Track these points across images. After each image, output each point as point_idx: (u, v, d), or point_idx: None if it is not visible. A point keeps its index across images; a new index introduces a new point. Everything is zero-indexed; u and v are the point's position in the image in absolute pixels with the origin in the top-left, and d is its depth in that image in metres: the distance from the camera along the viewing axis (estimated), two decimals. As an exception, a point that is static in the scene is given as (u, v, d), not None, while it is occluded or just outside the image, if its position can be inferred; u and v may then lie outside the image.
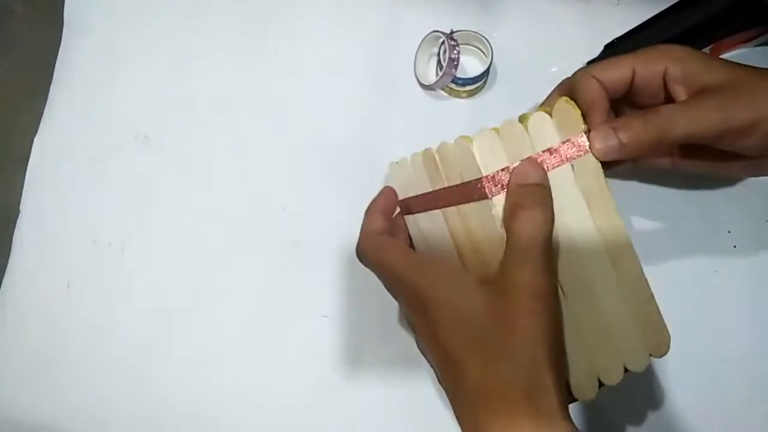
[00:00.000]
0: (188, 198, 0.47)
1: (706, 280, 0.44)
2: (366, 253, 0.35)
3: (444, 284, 0.30)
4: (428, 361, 0.34)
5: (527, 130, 0.32)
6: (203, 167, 0.48)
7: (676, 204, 0.46)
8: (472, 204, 0.32)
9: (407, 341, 0.42)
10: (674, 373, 0.42)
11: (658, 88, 0.35)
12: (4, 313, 0.45)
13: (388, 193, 0.39)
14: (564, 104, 0.34)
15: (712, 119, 0.32)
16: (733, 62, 0.34)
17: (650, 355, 0.33)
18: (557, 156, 0.33)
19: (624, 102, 0.37)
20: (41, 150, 0.49)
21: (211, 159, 0.48)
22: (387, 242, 0.35)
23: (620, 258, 0.33)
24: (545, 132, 0.33)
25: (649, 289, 0.33)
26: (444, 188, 0.35)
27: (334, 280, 0.45)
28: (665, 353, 0.33)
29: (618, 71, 0.35)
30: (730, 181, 0.46)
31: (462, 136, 0.33)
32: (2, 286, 0.46)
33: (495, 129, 0.33)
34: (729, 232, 0.45)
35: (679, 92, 0.34)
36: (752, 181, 0.46)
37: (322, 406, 0.42)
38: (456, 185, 0.34)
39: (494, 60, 0.47)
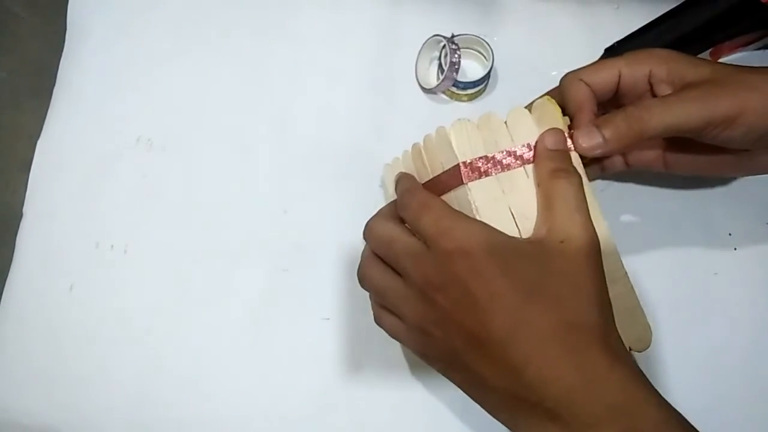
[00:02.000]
0: (190, 201, 0.47)
1: (707, 282, 0.44)
2: (412, 200, 0.32)
3: (498, 234, 0.30)
4: (449, 332, 0.30)
5: (506, 124, 0.33)
6: (205, 170, 0.48)
7: (676, 206, 0.46)
8: (451, 193, 0.33)
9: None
10: (674, 374, 0.42)
11: (644, 90, 0.36)
12: (7, 315, 0.45)
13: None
14: (544, 101, 0.34)
15: (693, 110, 0.32)
16: (719, 62, 0.34)
17: (630, 349, 0.33)
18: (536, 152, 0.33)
19: (611, 104, 0.37)
20: (44, 153, 0.49)
21: (213, 162, 0.48)
22: (437, 198, 0.33)
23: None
24: (524, 126, 0.33)
25: (629, 282, 0.33)
26: (429, 180, 0.35)
27: (335, 283, 0.45)
28: (646, 347, 0.33)
29: (604, 74, 0.35)
30: (729, 182, 0.46)
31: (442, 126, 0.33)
32: (5, 288, 0.46)
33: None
34: (729, 234, 0.45)
35: (665, 91, 0.35)
36: (752, 184, 0.46)
37: (324, 408, 0.42)
38: (438, 175, 0.34)
39: (495, 64, 0.47)
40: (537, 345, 0.27)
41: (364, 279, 0.35)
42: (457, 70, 0.46)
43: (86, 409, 0.43)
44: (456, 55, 0.46)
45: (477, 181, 0.32)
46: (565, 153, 0.33)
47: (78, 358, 0.44)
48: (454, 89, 0.48)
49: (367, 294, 0.44)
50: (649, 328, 0.33)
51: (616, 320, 0.32)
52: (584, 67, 0.36)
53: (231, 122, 0.49)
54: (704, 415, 0.42)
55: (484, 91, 0.49)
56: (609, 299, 0.30)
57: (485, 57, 0.49)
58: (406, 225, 0.34)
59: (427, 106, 0.49)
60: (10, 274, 0.46)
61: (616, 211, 0.46)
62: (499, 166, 0.32)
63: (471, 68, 0.50)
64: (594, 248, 0.30)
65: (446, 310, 0.29)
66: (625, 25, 0.45)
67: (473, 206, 0.31)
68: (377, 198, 0.46)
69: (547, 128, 0.33)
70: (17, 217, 0.47)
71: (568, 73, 0.36)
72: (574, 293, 0.28)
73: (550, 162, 0.32)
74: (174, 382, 0.43)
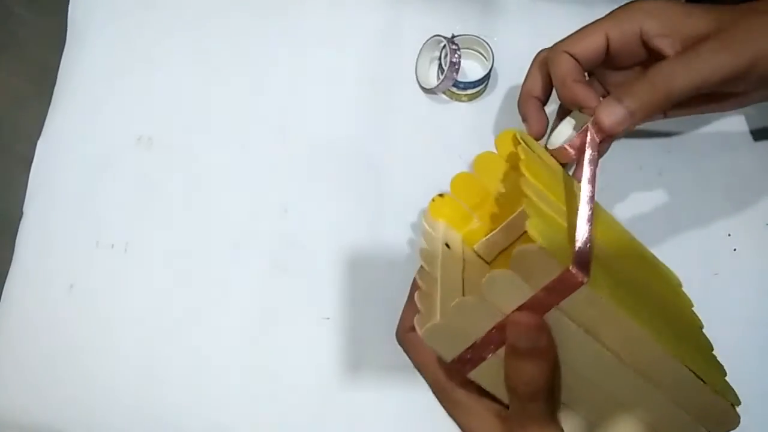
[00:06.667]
0: (191, 199, 0.47)
1: (706, 282, 0.44)
2: (403, 343, 0.34)
3: (464, 411, 0.31)
4: None
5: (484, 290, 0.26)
6: (206, 169, 0.48)
7: (675, 206, 0.46)
8: None
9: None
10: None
11: (637, 47, 0.33)
12: (7, 314, 0.45)
13: None
14: (523, 251, 0.24)
15: (715, 65, 0.30)
16: (709, 6, 0.32)
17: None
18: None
19: (605, 66, 0.35)
20: (44, 152, 0.49)
21: (213, 161, 0.48)
22: (420, 346, 0.32)
23: (652, 368, 0.28)
24: (508, 288, 0.26)
25: (696, 378, 0.28)
26: None
27: (335, 282, 0.45)
28: (736, 426, 0.30)
29: (590, 41, 0.33)
30: (729, 183, 0.46)
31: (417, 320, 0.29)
32: (5, 287, 0.46)
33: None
34: (729, 234, 0.45)
35: (665, 45, 0.32)
36: (752, 184, 0.46)
37: (323, 407, 0.42)
38: None
39: (495, 64, 0.48)
40: None
41: None
42: (457, 71, 0.47)
43: (86, 407, 0.43)
44: (456, 56, 0.46)
45: (473, 371, 0.29)
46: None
47: (78, 357, 0.44)
48: (454, 89, 0.48)
49: (366, 293, 0.44)
50: (736, 413, 0.30)
51: (689, 415, 0.29)
52: (567, 38, 0.34)
53: (231, 121, 0.49)
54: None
55: (484, 91, 0.49)
56: None
57: (485, 57, 0.49)
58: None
59: (427, 106, 0.49)
60: (10, 273, 0.46)
61: (615, 211, 0.46)
62: (492, 345, 0.27)
63: (471, 68, 0.50)
64: None
65: None
66: (624, 25, 0.45)
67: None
68: (377, 198, 0.46)
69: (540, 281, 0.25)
70: (17, 216, 0.47)
71: (545, 49, 0.33)
72: None
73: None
74: (173, 381, 0.43)
